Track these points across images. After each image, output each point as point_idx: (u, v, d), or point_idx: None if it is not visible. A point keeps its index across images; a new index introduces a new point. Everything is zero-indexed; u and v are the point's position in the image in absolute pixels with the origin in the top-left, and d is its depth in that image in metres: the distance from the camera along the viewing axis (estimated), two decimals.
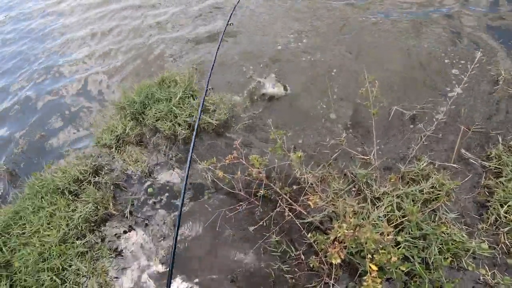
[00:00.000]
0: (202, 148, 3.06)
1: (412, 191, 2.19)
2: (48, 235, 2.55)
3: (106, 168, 3.08)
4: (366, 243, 1.68)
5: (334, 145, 2.73)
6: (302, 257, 2.16)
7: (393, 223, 2.09)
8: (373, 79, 2.24)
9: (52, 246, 2.49)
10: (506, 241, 1.92)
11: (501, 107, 2.68)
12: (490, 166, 2.25)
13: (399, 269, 1.85)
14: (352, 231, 1.73)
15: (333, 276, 1.96)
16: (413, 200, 2.18)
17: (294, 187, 2.52)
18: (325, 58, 3.61)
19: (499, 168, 2.22)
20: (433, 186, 2.20)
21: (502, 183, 2.14)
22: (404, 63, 3.31)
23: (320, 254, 2.07)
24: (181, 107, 3.28)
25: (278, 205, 2.36)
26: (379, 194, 2.26)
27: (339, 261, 1.66)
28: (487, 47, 3.19)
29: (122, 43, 4.96)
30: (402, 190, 2.21)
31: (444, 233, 1.97)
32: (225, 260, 2.32)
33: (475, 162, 2.33)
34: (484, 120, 2.61)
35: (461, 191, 2.23)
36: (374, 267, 1.67)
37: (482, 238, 2.01)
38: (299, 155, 2.13)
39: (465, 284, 1.90)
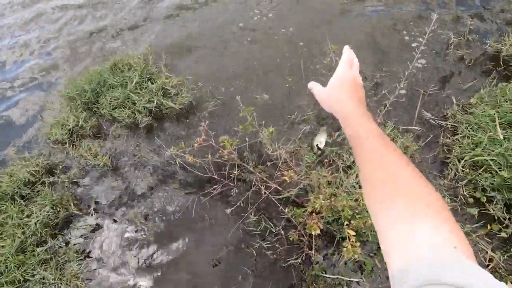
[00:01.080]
0: (167, 134, 2.88)
1: None
2: (2, 246, 2.29)
3: (61, 166, 2.79)
4: (343, 210, 1.71)
5: (303, 119, 2.72)
6: (282, 232, 2.17)
7: None
8: (336, 49, 2.22)
9: (8, 257, 2.24)
10: (465, 193, 2.08)
11: (453, 70, 2.83)
12: (447, 125, 2.39)
13: (374, 231, 1.93)
14: (328, 201, 1.74)
15: (313, 247, 2.00)
16: None
17: (268, 164, 2.49)
18: (293, 32, 3.52)
19: (455, 126, 2.37)
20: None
21: (458, 140, 2.28)
22: (366, 32, 3.34)
23: (298, 227, 2.09)
24: (139, 93, 3.03)
25: (253, 184, 2.32)
26: (350, 163, 2.31)
27: (318, 232, 1.67)
28: (442, 13, 3.32)
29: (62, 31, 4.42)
30: None
31: None
32: (205, 246, 2.26)
33: (434, 122, 2.46)
34: (440, 82, 2.75)
35: (423, 152, 2.35)
36: (352, 232, 1.72)
37: (444, 193, 2.16)
38: (271, 130, 2.07)
39: None
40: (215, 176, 2.32)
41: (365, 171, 0.63)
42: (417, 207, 0.52)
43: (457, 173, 2.18)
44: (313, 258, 2.00)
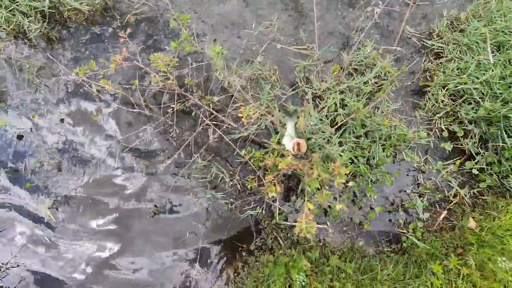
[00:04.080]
0: (71, 49, 2.04)
1: (356, 83, 1.86)
2: None
3: None
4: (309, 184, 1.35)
5: (263, 35, 2.09)
6: (237, 178, 1.80)
7: (336, 123, 1.80)
8: None
9: None
10: (442, 126, 1.86)
11: None
12: (432, 45, 2.01)
13: (343, 172, 1.67)
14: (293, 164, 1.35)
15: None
16: (357, 95, 1.89)
17: (221, 95, 1.93)
18: None
19: (441, 46, 2.00)
20: (378, 75, 1.90)
21: (443, 64, 1.95)
22: None
23: (258, 172, 1.73)
24: None
25: (199, 121, 1.79)
26: (321, 92, 1.87)
27: (274, 194, 1.33)
28: None
29: None
30: (345, 83, 1.86)
31: (387, 127, 1.79)
32: (145, 197, 1.83)
33: (417, 43, 2.05)
34: None
35: (403, 78, 2.00)
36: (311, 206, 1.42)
37: (420, 126, 1.92)
38: (217, 49, 1.46)
39: (400, 174, 1.87)
40: (146, 112, 1.72)
41: None
42: None
43: (435, 103, 1.91)
44: (273, 207, 1.71)
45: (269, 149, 1.65)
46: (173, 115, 1.78)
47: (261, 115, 1.79)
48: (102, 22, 2.06)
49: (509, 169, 1.72)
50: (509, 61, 1.84)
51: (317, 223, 1.78)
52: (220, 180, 1.82)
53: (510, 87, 1.76)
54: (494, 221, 1.66)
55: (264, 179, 1.44)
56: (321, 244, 1.76)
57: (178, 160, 1.87)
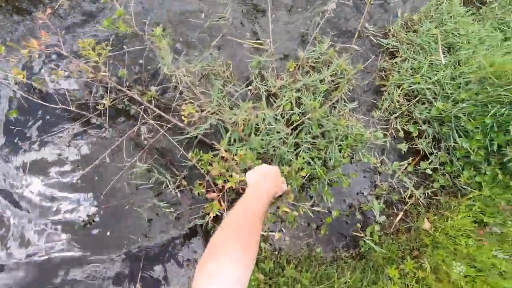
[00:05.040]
0: None
1: (312, 81, 1.76)
2: None
3: None
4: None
5: (215, 26, 1.93)
6: (184, 183, 1.61)
7: (292, 123, 1.70)
8: None
9: None
10: (398, 126, 1.83)
11: None
12: (387, 44, 1.99)
13: (299, 175, 1.56)
14: (239, 157, 1.21)
15: (225, 201, 1.53)
16: (313, 93, 1.80)
17: (168, 92, 1.73)
18: None
19: (396, 46, 1.98)
20: (334, 73, 1.83)
21: (397, 63, 1.93)
22: None
23: (206, 176, 1.56)
24: None
25: (140, 119, 1.58)
26: (276, 89, 1.76)
27: (217, 212, 1.18)
28: None
29: None
30: (301, 81, 1.76)
31: (344, 127, 1.72)
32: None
33: (374, 40, 2.02)
34: None
35: (359, 77, 1.95)
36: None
37: (376, 126, 1.88)
38: (158, 31, 1.27)
39: (357, 175, 1.81)
40: (70, 107, 1.47)
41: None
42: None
43: (391, 103, 1.89)
44: (224, 215, 1.55)
45: (218, 154, 1.48)
46: (105, 113, 1.54)
47: (212, 113, 1.63)
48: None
49: (460, 168, 1.73)
50: (458, 62, 1.86)
51: (272, 231, 1.66)
52: (165, 187, 1.62)
53: (459, 87, 1.78)
54: (447, 221, 1.65)
55: (209, 192, 1.28)
56: (276, 253, 1.63)
57: (119, 163, 1.63)
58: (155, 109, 1.52)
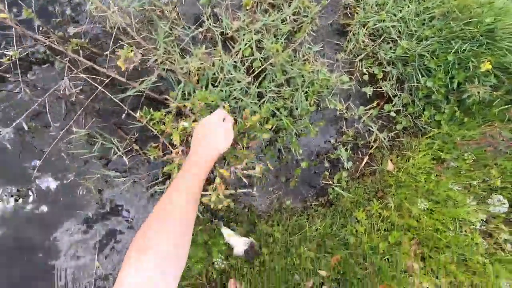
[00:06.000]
0: None
1: (273, 21, 1.56)
2: None
3: None
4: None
5: None
6: (136, 148, 1.41)
7: (253, 71, 1.52)
8: None
9: None
10: (363, 69, 1.75)
11: None
12: None
13: (265, 128, 1.44)
14: (200, 102, 1.02)
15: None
16: (275, 36, 1.60)
17: (100, 43, 1.41)
18: None
19: None
20: (297, 11, 1.63)
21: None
22: None
23: (161, 138, 1.36)
24: None
25: (66, 73, 1.27)
26: (233, 32, 1.52)
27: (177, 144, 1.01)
28: None
29: None
30: (261, 21, 1.54)
31: (309, 73, 1.59)
32: None
33: None
34: None
35: (323, 15, 1.78)
36: (225, 172, 1.15)
37: (342, 70, 1.78)
38: None
39: (324, 123, 1.75)
40: None
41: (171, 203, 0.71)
42: None
43: (356, 44, 1.77)
44: None
45: (172, 112, 1.28)
46: (16, 68, 1.20)
47: (160, 62, 1.38)
48: None
49: (421, 109, 1.74)
50: None
51: (239, 188, 1.57)
52: (114, 154, 1.40)
53: (424, 24, 1.71)
54: (408, 161, 1.70)
55: (172, 147, 1.10)
56: (246, 210, 1.57)
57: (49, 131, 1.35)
58: (83, 59, 1.22)
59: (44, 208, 1.37)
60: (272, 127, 1.49)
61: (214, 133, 0.92)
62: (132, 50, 0.98)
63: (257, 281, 1.43)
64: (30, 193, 1.34)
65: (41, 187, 1.36)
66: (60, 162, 1.37)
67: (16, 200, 1.28)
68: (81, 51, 1.29)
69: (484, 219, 1.62)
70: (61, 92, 1.14)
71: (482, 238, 1.58)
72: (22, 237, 1.35)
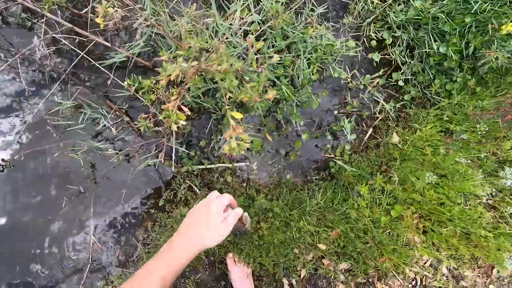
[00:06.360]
0: None
1: None
2: None
3: None
4: (224, 80, 0.95)
5: None
6: (126, 119, 1.32)
7: (252, 34, 1.39)
8: None
9: None
10: (371, 33, 1.61)
11: None
12: None
13: (265, 98, 1.34)
14: (195, 62, 0.91)
15: (174, 139, 1.29)
16: None
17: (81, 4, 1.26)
18: None
19: None
20: None
21: None
22: None
23: (151, 107, 1.27)
24: None
25: (42, 36, 1.15)
26: None
27: (183, 123, 0.92)
28: None
29: None
30: None
31: (313, 38, 1.46)
32: None
33: None
34: None
35: None
36: (238, 115, 1.05)
37: (348, 35, 1.64)
38: None
39: (327, 93, 1.64)
40: None
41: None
42: None
43: (364, 5, 1.61)
44: (181, 151, 1.33)
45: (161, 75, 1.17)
46: None
47: (148, 25, 1.25)
48: None
49: (432, 78, 1.62)
50: None
51: (238, 161, 1.51)
52: (103, 126, 1.31)
53: None
54: (415, 133, 1.61)
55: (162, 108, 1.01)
56: (245, 184, 1.51)
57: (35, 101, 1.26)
58: (62, 21, 1.09)
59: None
60: (272, 97, 1.39)
61: (203, 225, 0.77)
62: (110, 6, 0.86)
63: (256, 255, 1.41)
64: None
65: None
66: (47, 135, 1.30)
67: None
68: (59, 12, 1.15)
69: (490, 193, 1.57)
70: (36, 54, 1.03)
71: (487, 211, 1.54)
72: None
